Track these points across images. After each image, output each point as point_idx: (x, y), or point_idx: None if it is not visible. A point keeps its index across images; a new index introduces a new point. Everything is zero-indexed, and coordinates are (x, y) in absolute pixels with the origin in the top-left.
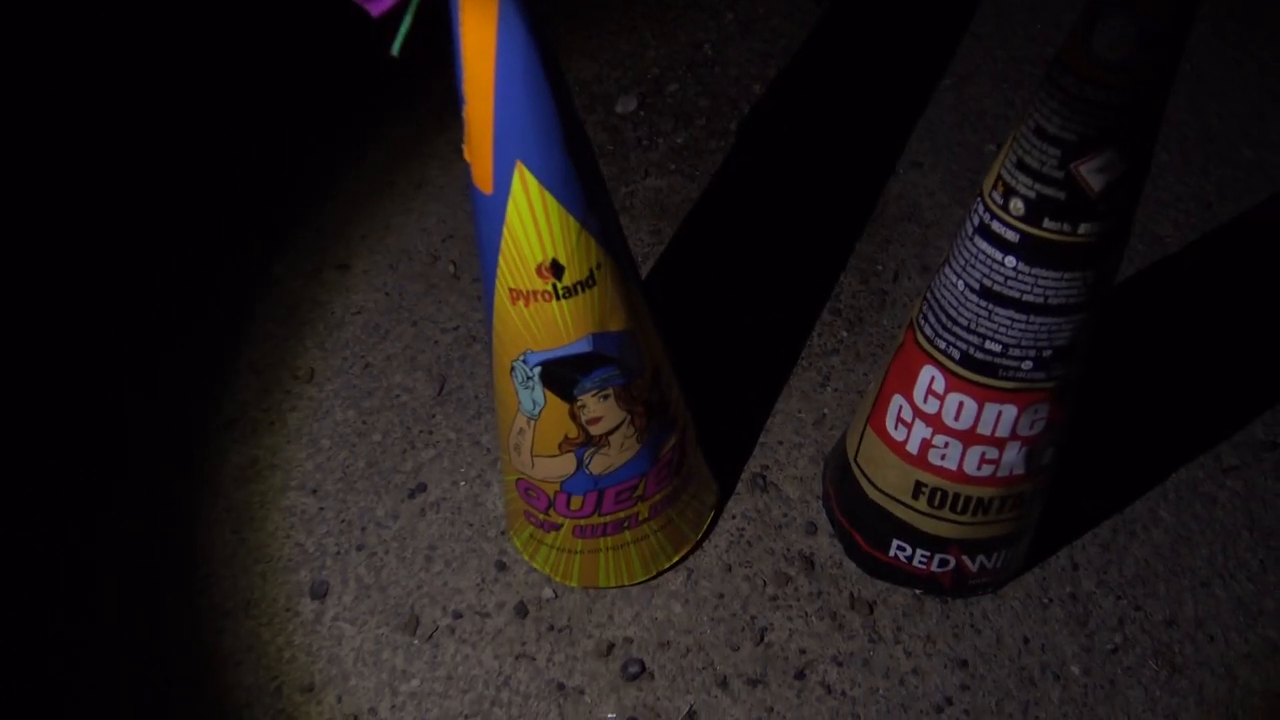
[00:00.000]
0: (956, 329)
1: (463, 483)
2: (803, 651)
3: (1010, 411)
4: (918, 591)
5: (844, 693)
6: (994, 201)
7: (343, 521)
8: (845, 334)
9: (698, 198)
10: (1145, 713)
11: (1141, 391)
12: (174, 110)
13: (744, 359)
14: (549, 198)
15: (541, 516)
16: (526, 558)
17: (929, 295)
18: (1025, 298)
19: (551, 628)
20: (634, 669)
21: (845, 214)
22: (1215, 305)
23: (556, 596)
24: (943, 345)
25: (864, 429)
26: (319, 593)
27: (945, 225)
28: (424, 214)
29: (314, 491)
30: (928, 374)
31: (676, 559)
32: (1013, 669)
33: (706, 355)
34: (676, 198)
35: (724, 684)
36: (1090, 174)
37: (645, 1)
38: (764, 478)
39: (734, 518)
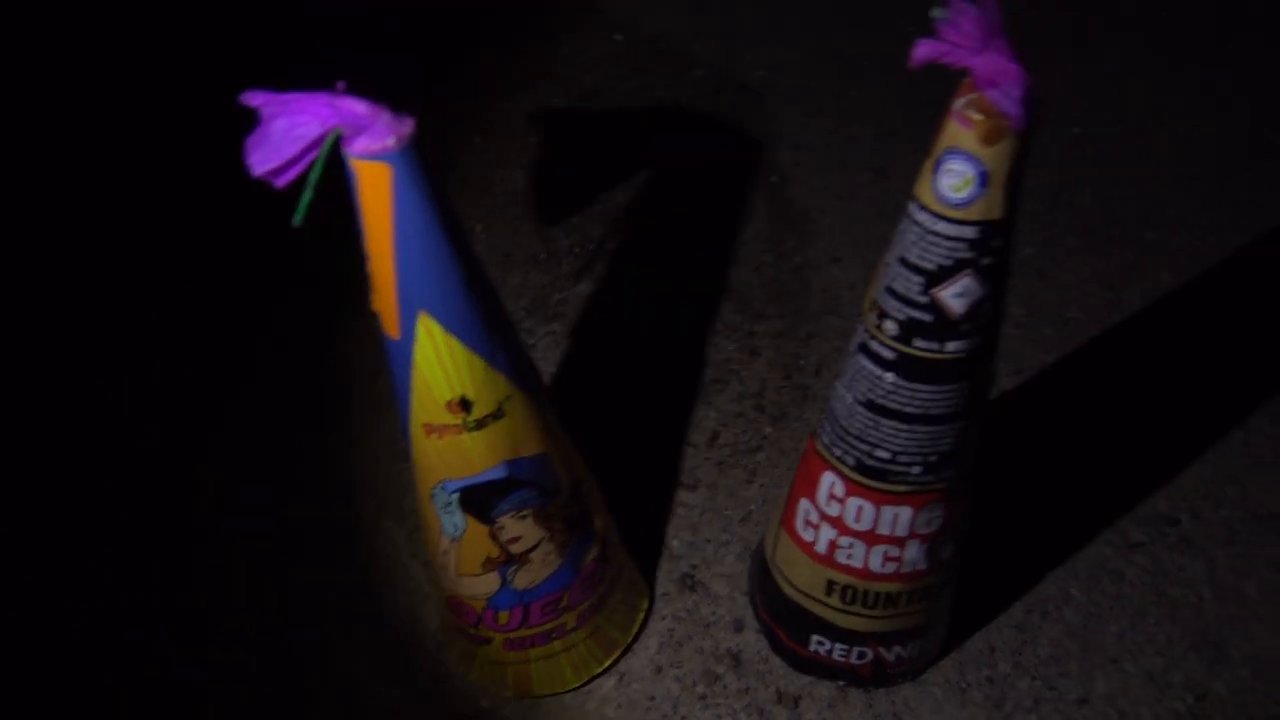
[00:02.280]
0: (849, 438)
1: (402, 596)
2: None
3: (906, 513)
4: (841, 683)
5: None
6: (871, 322)
7: None
8: (770, 430)
9: (629, 301)
10: None
11: (1049, 472)
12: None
13: (671, 459)
14: (454, 341)
15: (472, 631)
16: (462, 670)
17: (826, 406)
18: (906, 410)
19: None
20: None
21: (768, 310)
22: (1120, 383)
23: (492, 708)
24: (839, 453)
25: (779, 531)
26: None
27: None
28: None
29: None
30: (828, 479)
31: (608, 663)
32: None
33: (635, 458)
34: (608, 302)
35: None
36: (950, 299)
37: (579, 115)
38: (692, 577)
39: (664, 619)
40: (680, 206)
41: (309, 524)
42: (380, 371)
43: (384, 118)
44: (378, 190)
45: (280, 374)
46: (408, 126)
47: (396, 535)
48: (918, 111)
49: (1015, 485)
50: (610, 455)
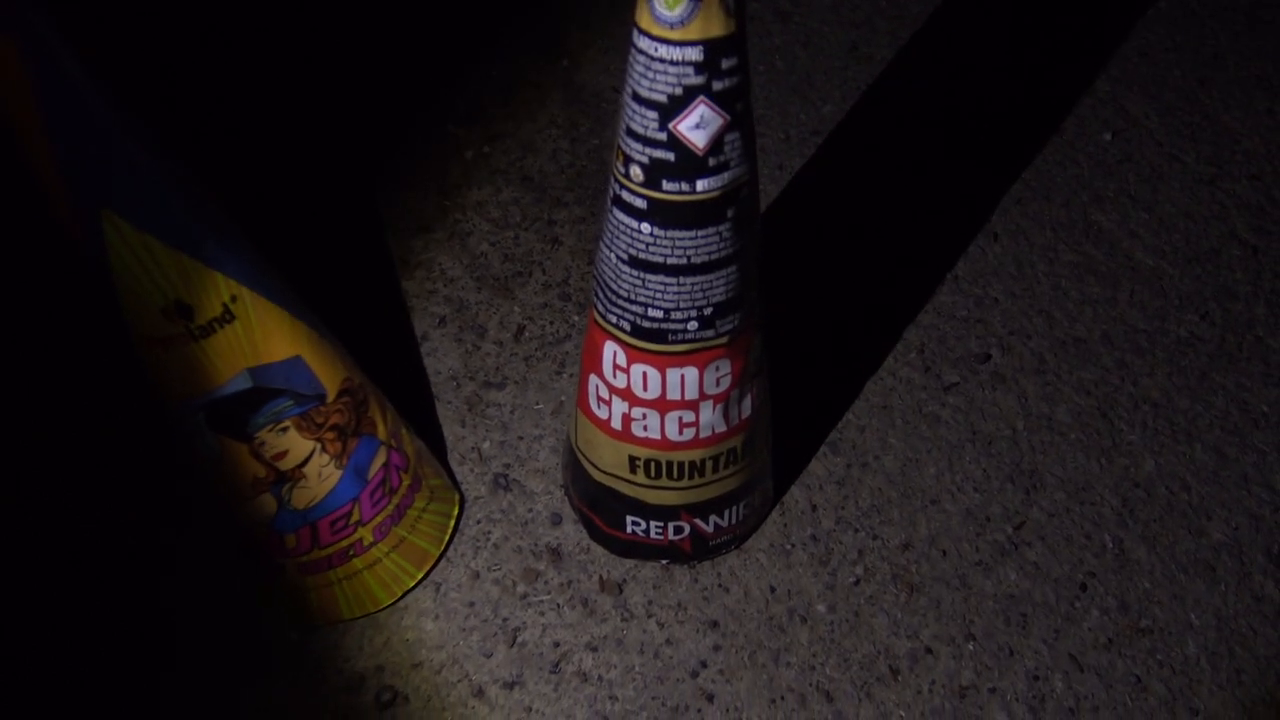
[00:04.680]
0: (621, 301)
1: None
2: (557, 644)
3: (692, 373)
4: (664, 562)
5: (600, 677)
6: (619, 171)
7: None
8: (576, 318)
9: (417, 197)
10: (889, 636)
11: (860, 320)
12: None
13: (477, 359)
14: (152, 241)
15: (261, 560)
16: (261, 606)
17: (594, 272)
18: (669, 261)
19: (301, 672)
20: (386, 696)
21: (567, 197)
22: (925, 221)
23: (301, 640)
24: (614, 319)
25: (577, 413)
26: None
27: None
28: None
29: None
30: (610, 350)
31: (421, 576)
32: (762, 620)
33: (435, 360)
34: (394, 196)
35: (480, 693)
36: (689, 132)
37: None
38: (506, 476)
39: (479, 522)
40: (472, 95)
41: None
42: None
43: None
44: (7, 75)
45: None
46: None
47: None
48: None
49: (826, 337)
50: (407, 360)
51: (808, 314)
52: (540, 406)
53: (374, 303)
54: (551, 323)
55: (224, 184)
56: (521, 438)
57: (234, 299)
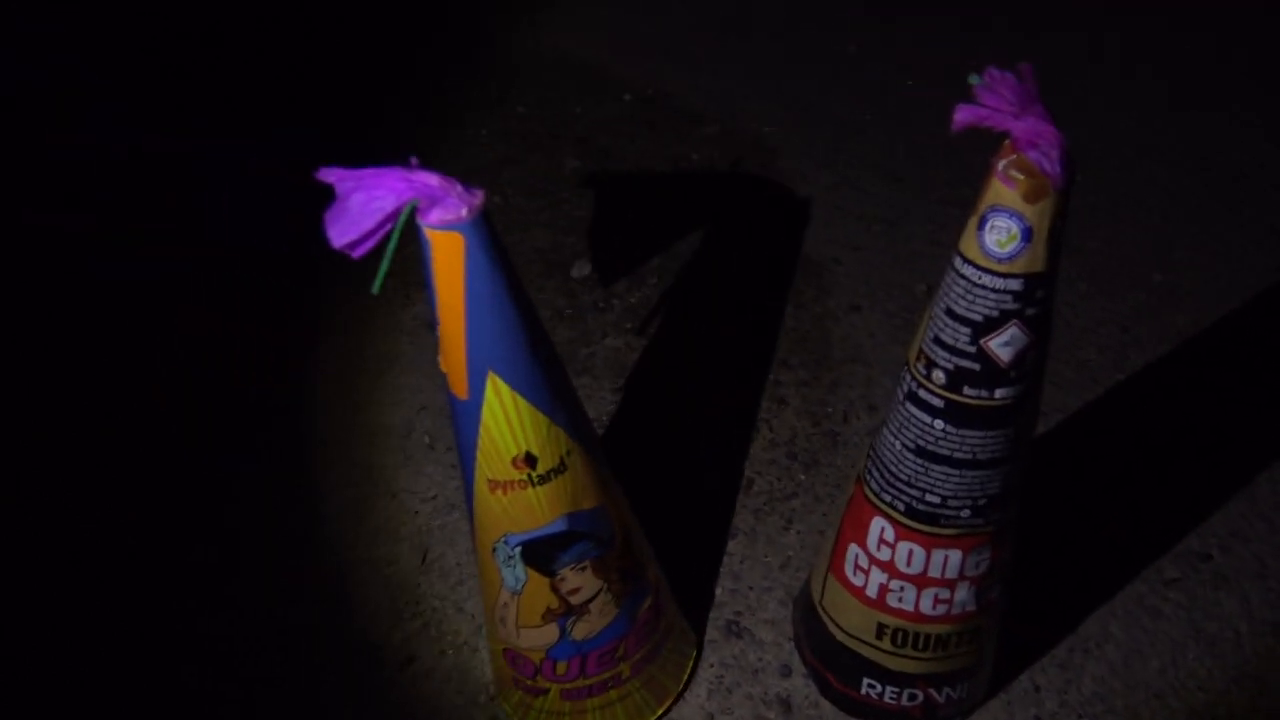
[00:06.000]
0: (899, 484)
1: (450, 651)
2: None
3: (956, 555)
4: None
5: None
6: (919, 372)
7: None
8: (803, 477)
9: (654, 355)
10: None
11: (1081, 510)
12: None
13: (710, 509)
14: (520, 400)
15: (529, 682)
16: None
17: (872, 453)
18: (956, 455)
19: None
20: None
21: (792, 360)
22: (1141, 422)
23: None
24: (888, 499)
25: (826, 576)
26: None
27: (887, 364)
28: (396, 388)
29: None
30: (878, 525)
31: (661, 711)
32: None
33: (673, 508)
34: (634, 356)
35: None
36: (998, 348)
37: (594, 172)
38: (737, 624)
39: (712, 665)
40: (701, 260)
41: (344, 582)
42: (412, 425)
43: (456, 190)
44: (450, 258)
45: (306, 429)
46: (478, 198)
47: (440, 588)
48: (921, 163)
49: (1049, 524)
50: (648, 506)
51: (1038, 499)
52: (769, 559)
53: (615, 448)
54: (779, 480)
55: None
56: (751, 588)
57: (569, 453)
